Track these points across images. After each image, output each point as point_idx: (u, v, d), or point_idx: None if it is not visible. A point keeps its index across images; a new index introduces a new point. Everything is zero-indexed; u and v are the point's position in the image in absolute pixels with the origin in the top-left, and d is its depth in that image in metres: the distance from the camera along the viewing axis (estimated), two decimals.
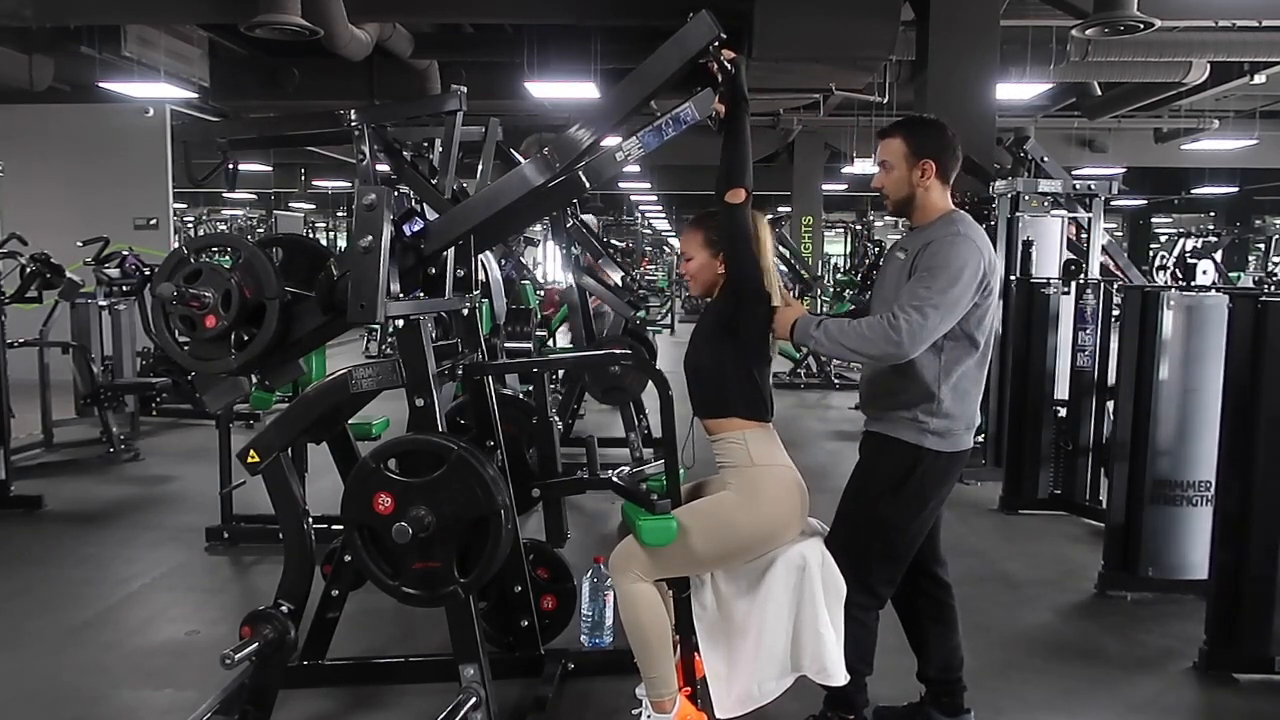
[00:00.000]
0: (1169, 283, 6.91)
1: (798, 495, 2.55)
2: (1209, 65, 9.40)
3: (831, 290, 12.01)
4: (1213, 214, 24.74)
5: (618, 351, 2.98)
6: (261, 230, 16.60)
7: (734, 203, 2.48)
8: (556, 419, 3.10)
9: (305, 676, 2.86)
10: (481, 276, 3.91)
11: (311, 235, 21.43)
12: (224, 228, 18.09)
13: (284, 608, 2.61)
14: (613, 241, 14.17)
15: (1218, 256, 12.59)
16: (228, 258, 2.69)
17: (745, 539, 2.52)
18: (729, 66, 2.43)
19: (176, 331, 2.50)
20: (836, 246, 22.76)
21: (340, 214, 24.35)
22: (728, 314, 2.55)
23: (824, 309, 13.31)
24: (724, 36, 2.39)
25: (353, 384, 2.58)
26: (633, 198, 24.81)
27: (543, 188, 2.50)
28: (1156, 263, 12.19)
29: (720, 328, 2.56)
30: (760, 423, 2.54)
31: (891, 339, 2.37)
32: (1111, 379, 4.71)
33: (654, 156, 2.55)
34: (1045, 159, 6.30)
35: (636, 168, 16.54)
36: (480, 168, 3.31)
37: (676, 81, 2.48)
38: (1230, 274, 13.54)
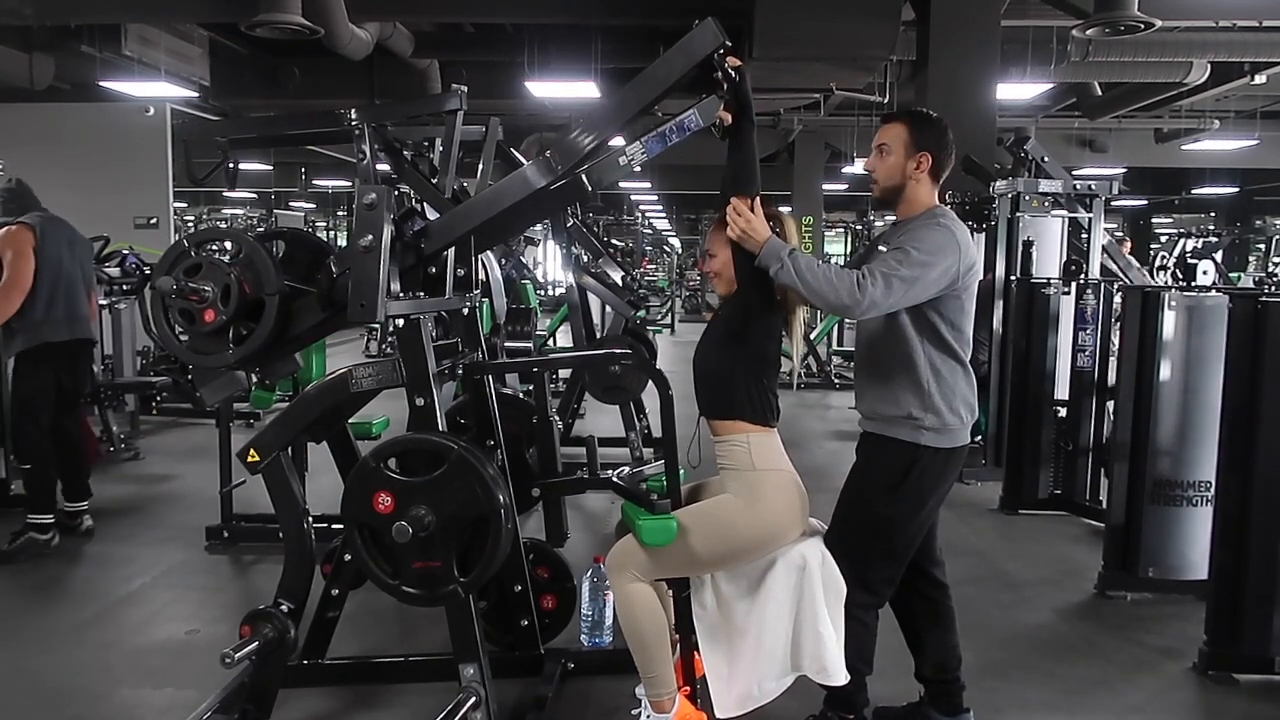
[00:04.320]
0: (1169, 283, 6.90)
1: (797, 499, 2.55)
2: (1209, 65, 9.40)
3: None
4: (1213, 214, 24.74)
5: (618, 351, 2.98)
6: (262, 229, 16.59)
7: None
8: (556, 419, 3.10)
9: (305, 676, 2.86)
10: (482, 276, 3.91)
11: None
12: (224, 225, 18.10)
13: (284, 607, 2.61)
14: (613, 241, 14.16)
15: (1218, 257, 12.58)
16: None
17: (744, 542, 2.51)
18: (733, 75, 2.41)
19: (175, 325, 2.51)
20: (837, 246, 22.72)
21: (340, 213, 24.35)
22: (737, 322, 2.54)
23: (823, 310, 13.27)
24: (729, 44, 2.39)
25: (353, 383, 2.59)
26: (633, 197, 24.80)
27: (544, 190, 2.51)
28: (1157, 263, 12.18)
29: (730, 334, 2.55)
30: (765, 427, 2.54)
31: (855, 296, 2.34)
32: (1111, 379, 4.72)
33: (655, 156, 2.54)
34: (1046, 159, 6.30)
35: (638, 168, 16.48)
36: (480, 167, 3.31)
37: (682, 86, 2.48)
38: (1230, 274, 13.53)
